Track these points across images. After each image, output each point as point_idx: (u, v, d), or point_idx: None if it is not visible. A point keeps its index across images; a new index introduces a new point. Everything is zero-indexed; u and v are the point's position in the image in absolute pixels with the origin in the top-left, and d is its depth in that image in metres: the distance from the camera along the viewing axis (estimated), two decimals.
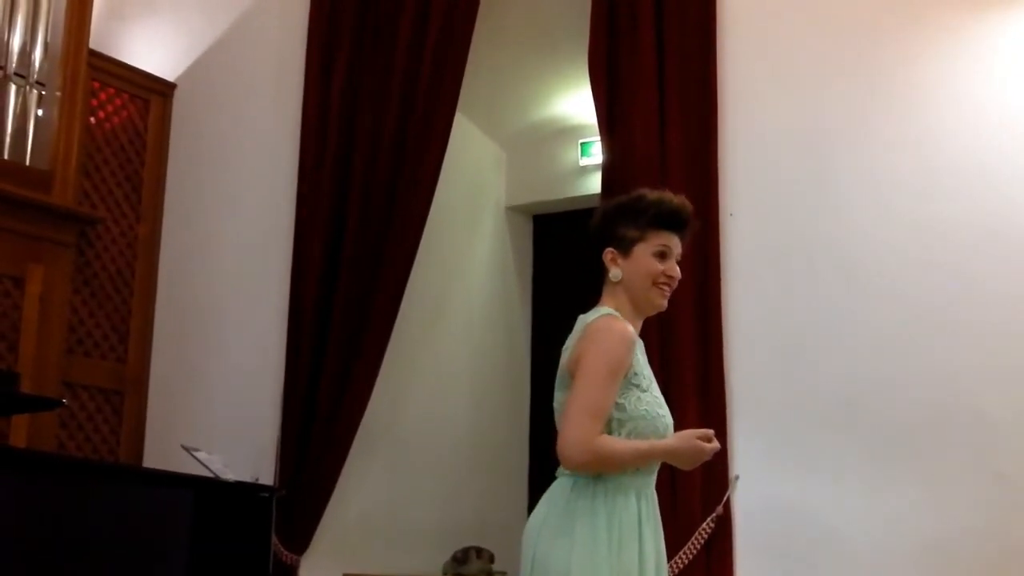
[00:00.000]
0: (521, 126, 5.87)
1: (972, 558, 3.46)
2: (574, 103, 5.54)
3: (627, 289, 2.53)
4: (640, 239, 2.52)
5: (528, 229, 6.07)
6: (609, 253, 2.54)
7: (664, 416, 2.49)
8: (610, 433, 2.41)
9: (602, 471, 2.41)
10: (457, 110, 4.61)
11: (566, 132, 5.79)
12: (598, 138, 4.33)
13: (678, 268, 2.56)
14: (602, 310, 2.51)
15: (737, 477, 3.78)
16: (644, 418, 2.44)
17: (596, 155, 5.27)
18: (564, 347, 2.54)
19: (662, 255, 2.52)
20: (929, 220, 3.71)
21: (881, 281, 3.74)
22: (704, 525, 3.72)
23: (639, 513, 2.44)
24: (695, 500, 3.73)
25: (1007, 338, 3.54)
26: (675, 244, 2.55)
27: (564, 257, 5.61)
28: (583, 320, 2.51)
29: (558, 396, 2.51)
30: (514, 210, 5.99)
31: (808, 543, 3.68)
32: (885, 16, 3.88)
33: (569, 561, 2.36)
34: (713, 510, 3.73)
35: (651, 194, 2.57)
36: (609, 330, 2.44)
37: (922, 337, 3.65)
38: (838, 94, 3.90)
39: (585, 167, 5.64)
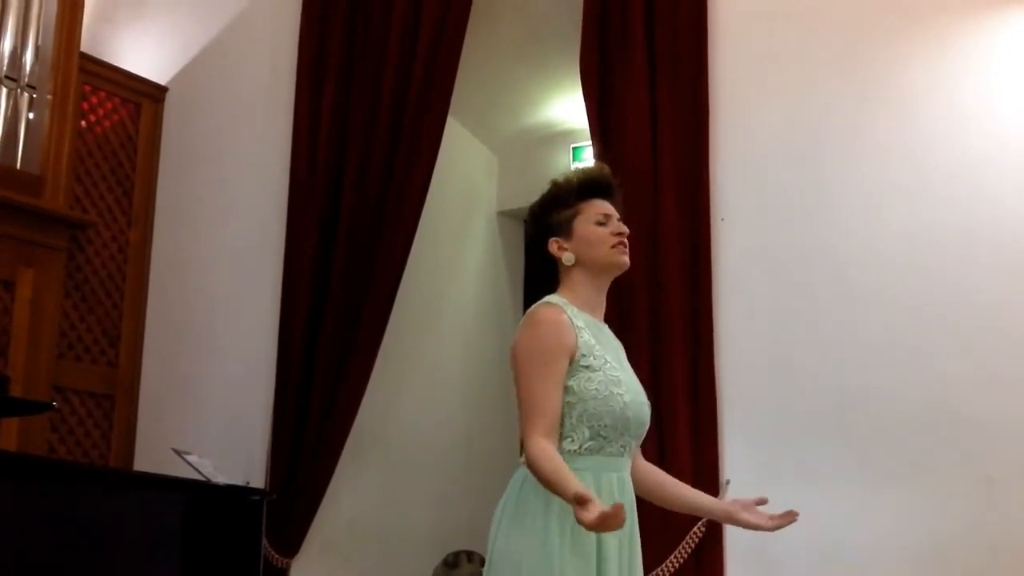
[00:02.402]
0: (513, 131, 5.88)
1: (963, 563, 3.46)
2: (566, 108, 5.54)
3: (584, 265, 2.51)
4: (575, 214, 2.52)
5: (520, 234, 6.07)
6: (554, 243, 2.52)
7: (621, 394, 2.43)
8: (563, 416, 2.37)
9: (536, 476, 2.33)
10: (449, 115, 4.62)
11: (558, 137, 5.80)
12: (590, 143, 4.34)
13: (623, 225, 2.54)
14: (544, 299, 2.49)
15: (728, 481, 3.78)
16: (595, 398, 2.39)
17: (588, 160, 5.27)
18: None
19: (602, 223, 2.52)
20: (920, 226, 3.71)
21: (872, 286, 3.74)
22: (694, 530, 3.72)
23: (601, 494, 2.36)
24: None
25: (998, 344, 3.54)
26: (609, 209, 2.54)
27: (556, 262, 5.61)
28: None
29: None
30: (506, 215, 6.00)
31: (798, 549, 3.67)
32: (877, 22, 3.89)
33: (521, 553, 2.34)
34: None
35: (562, 175, 2.59)
36: (537, 321, 2.42)
37: (913, 342, 3.65)
38: (830, 99, 3.91)
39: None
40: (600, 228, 2.51)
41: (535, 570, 2.32)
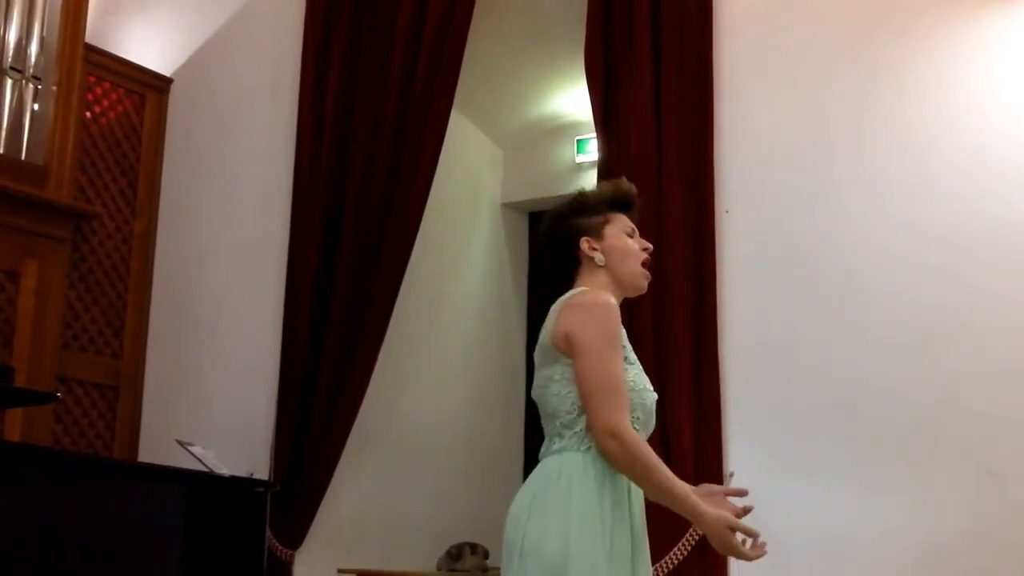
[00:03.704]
0: (517, 124, 5.87)
1: (966, 558, 3.46)
2: (570, 100, 5.54)
3: (611, 270, 2.54)
4: (607, 221, 2.57)
5: (524, 226, 6.07)
6: (586, 242, 2.54)
7: (649, 390, 2.47)
8: None
9: (627, 468, 2.32)
10: (453, 108, 4.61)
11: (562, 129, 5.79)
12: (594, 135, 4.33)
13: (647, 242, 2.61)
14: (582, 288, 2.50)
15: (732, 474, 3.77)
16: (633, 390, 2.40)
17: (592, 152, 5.27)
18: (543, 327, 2.49)
19: (630, 235, 2.58)
20: (925, 221, 3.71)
21: (877, 281, 3.74)
22: None
23: (629, 497, 2.40)
24: None
25: (1002, 339, 3.54)
26: (633, 225, 2.61)
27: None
28: (563, 299, 2.48)
29: (542, 372, 2.46)
30: (510, 207, 5.99)
31: (802, 544, 3.67)
32: (882, 17, 3.88)
33: (567, 544, 2.28)
34: None
35: (591, 187, 2.70)
36: (597, 302, 2.42)
37: (917, 338, 3.65)
38: (835, 92, 3.90)
39: (581, 164, 5.64)
40: (631, 240, 2.57)
41: (583, 567, 2.27)
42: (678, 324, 3.88)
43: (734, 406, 3.84)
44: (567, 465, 2.37)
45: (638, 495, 2.44)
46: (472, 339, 5.68)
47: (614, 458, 2.32)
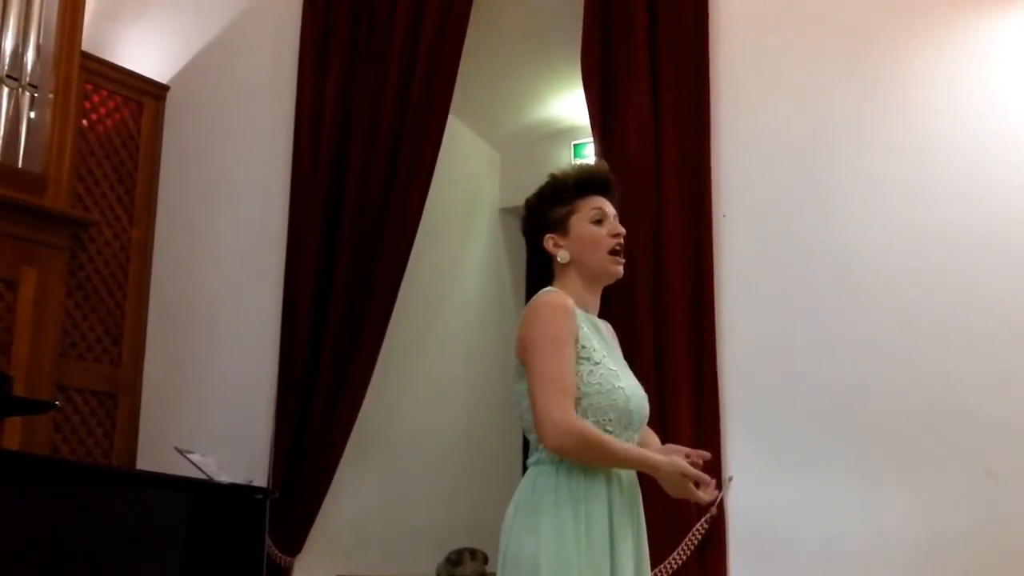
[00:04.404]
0: (514, 128, 5.88)
1: (965, 558, 3.46)
2: (567, 105, 5.54)
3: (579, 265, 2.49)
4: (571, 212, 2.50)
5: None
6: (550, 239, 2.50)
7: (623, 388, 2.42)
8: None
9: (582, 457, 2.34)
10: (451, 113, 4.62)
11: (559, 134, 5.80)
12: (591, 139, 4.33)
13: (619, 225, 2.52)
14: (543, 290, 2.48)
15: (731, 478, 3.78)
16: (599, 392, 2.38)
17: (589, 156, 5.27)
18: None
19: (599, 220, 2.50)
20: (924, 222, 3.71)
21: (875, 282, 3.74)
22: (697, 526, 3.72)
23: (609, 500, 2.38)
24: (689, 501, 3.72)
25: (1000, 339, 3.54)
26: (606, 206, 2.52)
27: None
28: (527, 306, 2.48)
29: (516, 387, 2.46)
30: (508, 212, 6.00)
31: (801, 544, 3.68)
32: (880, 18, 3.88)
33: (538, 558, 2.30)
34: (707, 511, 3.73)
35: (561, 170, 2.57)
36: (541, 305, 2.41)
37: (915, 338, 3.65)
38: (832, 95, 3.91)
39: None
40: (596, 228, 2.49)
41: (553, 571, 2.29)
42: (677, 326, 3.88)
43: (733, 407, 3.85)
44: (540, 477, 2.38)
45: (625, 503, 2.42)
46: (471, 343, 5.68)
47: (568, 453, 2.33)
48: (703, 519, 3.72)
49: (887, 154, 3.79)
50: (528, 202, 2.58)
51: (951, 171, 3.69)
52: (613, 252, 2.49)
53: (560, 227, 2.50)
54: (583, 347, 2.40)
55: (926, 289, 3.66)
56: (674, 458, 2.41)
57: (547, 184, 2.56)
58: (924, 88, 3.79)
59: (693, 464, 2.45)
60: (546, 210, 2.52)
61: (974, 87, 3.71)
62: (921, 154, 3.75)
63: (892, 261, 3.72)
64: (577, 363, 2.38)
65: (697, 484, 2.40)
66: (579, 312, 2.45)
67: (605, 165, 2.60)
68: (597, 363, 2.40)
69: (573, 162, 5.64)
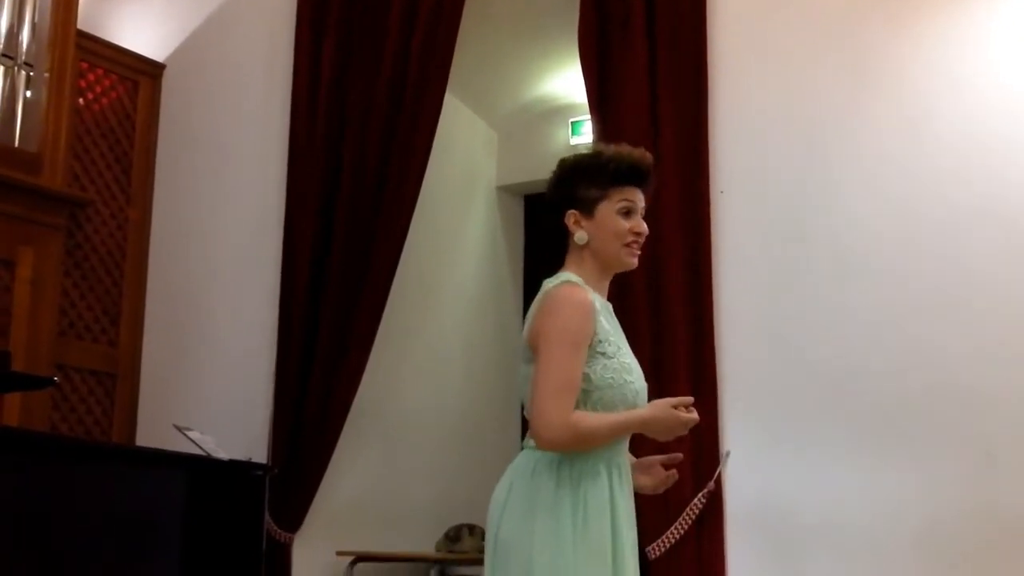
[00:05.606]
0: (512, 106, 5.86)
1: (963, 538, 3.46)
2: (564, 82, 5.53)
3: (594, 251, 2.46)
4: (603, 198, 2.44)
5: (519, 209, 6.08)
6: (572, 215, 2.46)
7: (632, 383, 2.41)
8: (576, 407, 2.33)
9: (578, 449, 2.34)
10: (447, 91, 4.61)
11: (557, 111, 5.79)
12: (589, 117, 4.33)
13: (644, 223, 2.49)
14: (562, 276, 2.44)
15: (728, 452, 3.79)
16: (611, 387, 2.37)
17: (587, 134, 5.27)
18: (527, 315, 2.47)
19: (627, 212, 2.45)
20: (921, 199, 3.70)
21: (873, 261, 3.74)
22: (695, 500, 3.73)
23: (611, 487, 2.38)
24: (686, 475, 3.73)
25: (999, 319, 3.54)
26: (638, 198, 2.47)
27: (555, 237, 5.61)
28: (544, 287, 2.45)
29: (522, 369, 2.44)
30: (505, 190, 6.00)
31: (798, 523, 3.69)
32: None
33: (531, 550, 2.30)
34: (704, 486, 3.75)
35: (608, 149, 2.49)
36: (566, 301, 2.37)
37: (914, 318, 3.65)
38: (830, 72, 3.90)
39: (576, 146, 5.62)
40: (622, 220, 2.45)
41: (547, 566, 2.28)
42: (674, 305, 3.88)
43: (731, 386, 3.85)
44: (540, 463, 2.38)
45: (624, 491, 2.42)
46: (468, 320, 5.69)
47: (559, 449, 2.33)
48: (701, 493, 3.73)
49: (884, 131, 3.79)
50: (561, 170, 2.51)
51: (948, 147, 3.69)
52: (628, 245, 2.47)
53: (586, 208, 2.45)
54: (600, 342, 2.38)
55: (924, 265, 3.66)
56: (658, 401, 2.41)
57: (588, 157, 2.50)
58: (920, 64, 3.78)
59: (666, 465, 2.55)
60: (577, 186, 2.46)
61: (971, 64, 3.71)
62: (918, 130, 3.74)
63: (890, 237, 3.72)
64: (592, 359, 2.37)
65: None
66: (597, 299, 2.43)
67: (649, 158, 2.51)
68: (611, 357, 2.39)
69: (572, 141, 5.62)
